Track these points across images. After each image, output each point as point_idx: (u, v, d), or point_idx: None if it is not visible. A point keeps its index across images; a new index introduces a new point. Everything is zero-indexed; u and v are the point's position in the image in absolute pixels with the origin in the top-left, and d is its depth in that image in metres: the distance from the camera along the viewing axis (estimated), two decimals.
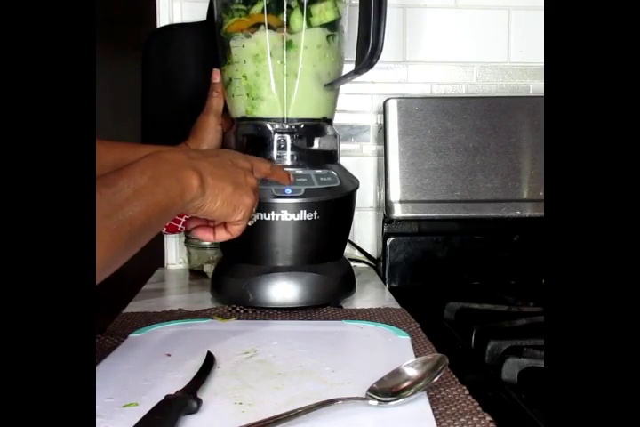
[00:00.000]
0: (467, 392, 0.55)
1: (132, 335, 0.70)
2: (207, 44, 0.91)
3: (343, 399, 0.51)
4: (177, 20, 1.05)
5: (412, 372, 0.55)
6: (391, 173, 0.97)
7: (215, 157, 0.64)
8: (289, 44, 0.80)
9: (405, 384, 0.53)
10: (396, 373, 0.55)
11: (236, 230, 0.67)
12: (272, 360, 0.62)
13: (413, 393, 0.52)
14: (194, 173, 0.59)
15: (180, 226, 0.99)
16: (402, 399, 0.51)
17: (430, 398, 0.53)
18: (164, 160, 0.59)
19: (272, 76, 0.81)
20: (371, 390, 0.52)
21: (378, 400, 0.51)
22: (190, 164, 0.60)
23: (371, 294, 0.93)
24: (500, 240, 0.99)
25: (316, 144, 0.84)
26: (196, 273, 1.03)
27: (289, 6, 0.79)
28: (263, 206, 0.79)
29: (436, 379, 0.54)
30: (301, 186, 0.79)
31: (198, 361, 0.60)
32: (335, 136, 0.86)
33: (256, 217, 0.70)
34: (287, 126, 0.82)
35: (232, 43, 0.81)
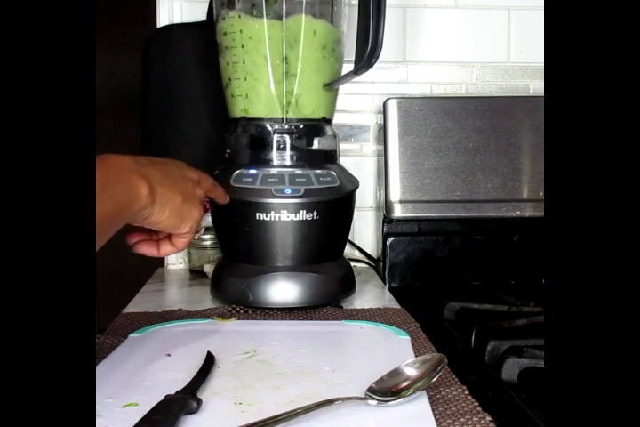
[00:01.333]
0: (467, 392, 0.55)
1: (131, 335, 0.70)
2: (207, 44, 0.91)
3: (342, 399, 0.51)
4: (177, 20, 1.05)
5: (412, 371, 0.55)
6: (391, 173, 0.97)
7: (163, 166, 0.61)
8: (288, 44, 0.80)
9: (405, 384, 0.53)
10: (395, 372, 0.55)
11: (181, 244, 0.65)
12: (272, 360, 0.62)
13: (412, 393, 0.52)
14: (143, 180, 0.56)
15: None
16: (401, 399, 0.51)
17: (430, 398, 0.53)
18: (111, 165, 0.55)
19: (271, 77, 0.81)
20: (370, 389, 0.53)
21: (377, 400, 0.51)
22: (139, 170, 0.57)
23: (371, 294, 0.93)
24: (500, 240, 0.99)
25: (316, 144, 0.84)
26: (196, 273, 1.03)
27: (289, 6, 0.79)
28: (263, 206, 0.79)
29: (434, 379, 0.54)
30: (301, 186, 0.79)
31: (198, 361, 0.60)
32: (335, 136, 0.86)
33: (202, 231, 0.68)
34: (287, 126, 0.82)
35: (231, 43, 0.81)
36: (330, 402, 0.50)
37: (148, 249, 0.66)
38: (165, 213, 0.60)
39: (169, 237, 0.66)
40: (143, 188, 0.56)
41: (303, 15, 0.80)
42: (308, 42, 0.80)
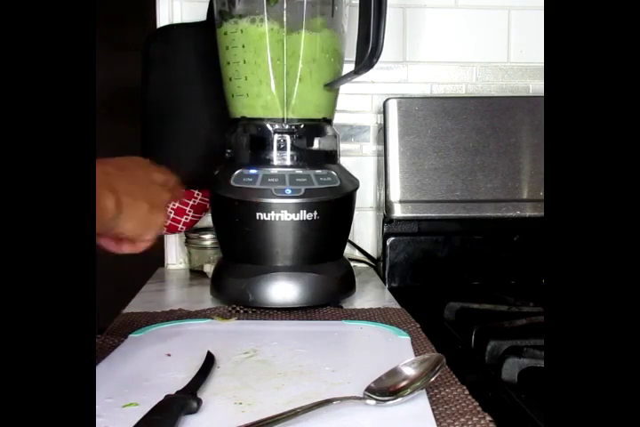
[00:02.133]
0: (467, 392, 0.55)
1: (131, 335, 0.70)
2: (207, 44, 0.91)
3: (340, 399, 0.51)
4: (177, 20, 1.05)
5: (410, 371, 0.55)
6: (391, 173, 0.97)
7: (129, 171, 0.61)
8: (289, 44, 0.80)
9: (403, 384, 0.53)
10: (394, 372, 0.55)
11: (142, 246, 0.64)
12: (272, 360, 0.62)
13: (411, 393, 0.52)
14: (109, 193, 0.56)
15: (180, 226, 0.99)
16: (399, 399, 0.51)
17: (430, 397, 0.53)
18: None
19: (272, 77, 0.81)
20: (368, 389, 0.53)
21: (375, 400, 0.51)
22: (107, 182, 0.56)
23: (371, 294, 0.93)
24: (500, 240, 0.99)
25: (316, 144, 0.84)
26: (196, 273, 1.03)
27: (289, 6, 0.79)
28: (263, 206, 0.79)
29: (432, 379, 0.54)
30: (301, 186, 0.79)
31: (198, 361, 0.60)
32: (335, 136, 0.86)
33: (164, 231, 0.67)
34: (287, 126, 0.82)
35: (231, 43, 0.81)
36: (328, 402, 0.50)
37: (107, 244, 0.64)
38: (131, 222, 0.59)
39: None
40: (109, 200, 0.55)
41: (304, 15, 0.80)
42: (308, 42, 0.80)
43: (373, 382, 0.54)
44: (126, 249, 0.64)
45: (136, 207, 0.59)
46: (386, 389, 0.53)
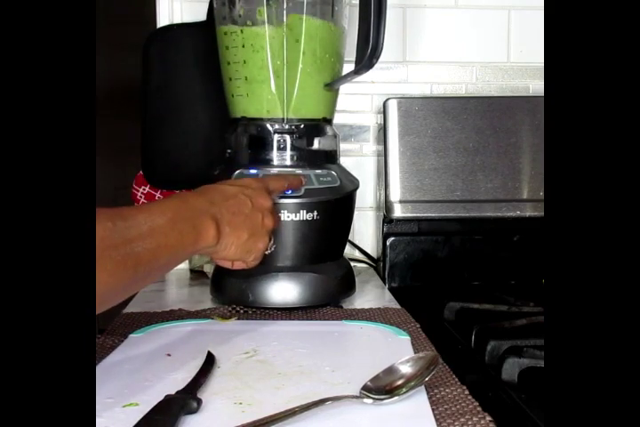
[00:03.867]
0: (467, 392, 0.55)
1: (132, 335, 0.70)
2: (207, 44, 0.91)
3: (336, 398, 0.50)
4: (177, 20, 1.05)
5: (406, 369, 0.55)
6: (391, 173, 0.97)
7: (234, 200, 0.64)
8: (289, 45, 0.80)
9: (399, 382, 0.53)
10: (390, 370, 0.55)
11: (251, 264, 0.69)
12: (272, 360, 0.62)
13: (406, 392, 0.52)
14: (212, 222, 0.60)
15: None
16: (395, 397, 0.52)
17: (430, 398, 0.53)
18: (187, 204, 0.59)
19: (272, 77, 0.81)
20: (365, 388, 0.53)
21: (372, 399, 0.51)
22: (210, 211, 0.60)
23: (371, 294, 0.93)
24: (500, 240, 0.99)
25: (316, 144, 0.84)
26: (196, 273, 1.03)
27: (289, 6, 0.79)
28: None
29: (427, 378, 0.54)
30: (298, 189, 0.79)
31: (198, 361, 0.60)
32: (335, 136, 0.86)
33: (272, 248, 0.72)
34: (287, 126, 0.82)
35: (231, 43, 0.81)
36: (322, 402, 0.49)
37: (222, 262, 0.70)
38: (230, 250, 0.64)
39: None
40: (211, 229, 0.59)
41: (304, 15, 0.80)
42: (308, 42, 0.80)
43: (370, 380, 0.54)
44: (238, 266, 0.70)
45: (235, 236, 0.63)
46: (382, 387, 0.53)
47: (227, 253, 0.64)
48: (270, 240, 0.69)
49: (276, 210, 0.70)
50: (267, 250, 0.69)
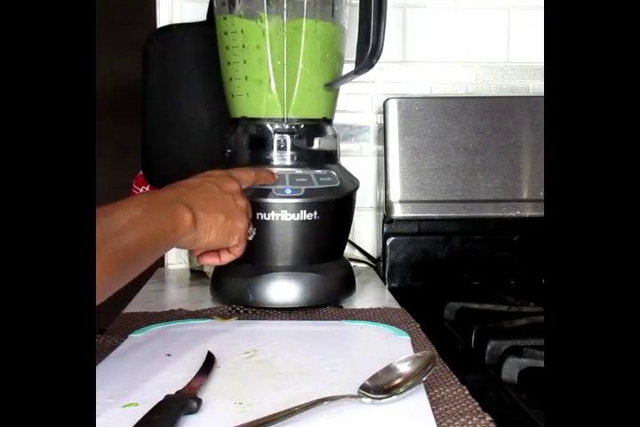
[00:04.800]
0: (467, 392, 0.55)
1: (131, 335, 0.70)
2: (207, 44, 0.91)
3: (334, 398, 0.50)
4: (177, 20, 1.05)
5: (404, 368, 0.55)
6: (391, 173, 0.97)
7: (201, 188, 0.66)
8: (289, 44, 0.80)
9: (397, 381, 0.54)
10: (388, 369, 0.55)
11: (238, 251, 0.70)
12: (272, 360, 0.62)
13: (404, 391, 0.52)
14: (185, 209, 0.61)
15: None
16: (394, 397, 0.52)
17: (430, 397, 0.53)
18: (157, 196, 0.61)
19: (272, 77, 0.81)
20: (363, 387, 0.53)
21: (370, 398, 0.51)
22: (182, 200, 0.61)
23: (371, 294, 0.93)
24: (500, 240, 0.99)
25: (316, 144, 0.84)
26: (196, 273, 1.03)
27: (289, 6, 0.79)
28: (263, 206, 0.79)
29: (425, 377, 0.54)
30: (301, 186, 0.79)
31: (198, 361, 0.60)
32: (335, 136, 0.86)
33: (254, 232, 0.72)
34: (287, 126, 0.82)
35: (232, 43, 0.81)
36: (321, 401, 0.49)
37: (210, 259, 0.71)
38: (211, 234, 0.64)
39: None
40: (186, 215, 0.61)
41: (304, 15, 0.80)
42: (308, 42, 0.80)
43: (368, 379, 0.54)
44: (226, 258, 0.70)
45: (212, 219, 0.64)
46: (380, 387, 0.53)
47: (208, 238, 0.64)
48: (250, 225, 0.70)
49: (245, 195, 0.71)
50: (249, 234, 0.70)
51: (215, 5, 0.85)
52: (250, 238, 0.70)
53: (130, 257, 0.53)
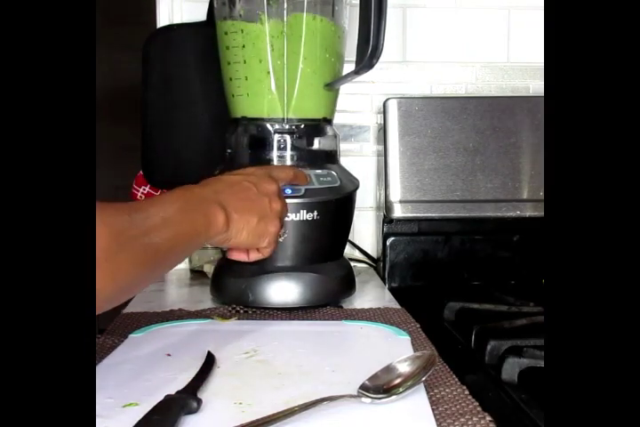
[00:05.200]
0: (467, 392, 0.55)
1: (131, 335, 0.70)
2: (207, 44, 0.91)
3: (333, 398, 0.50)
4: (177, 20, 1.05)
5: (404, 368, 0.55)
6: (391, 173, 0.97)
7: (239, 187, 0.65)
8: (289, 44, 0.80)
9: (397, 381, 0.54)
10: (387, 369, 0.55)
11: (267, 252, 0.70)
12: (272, 360, 0.62)
13: (403, 391, 0.52)
14: (220, 209, 0.61)
15: None
16: (393, 397, 0.52)
17: (430, 397, 0.53)
18: (193, 194, 0.60)
19: (272, 76, 0.81)
20: (362, 387, 0.53)
21: (370, 398, 0.51)
22: (217, 199, 0.61)
23: (371, 294, 0.93)
24: (500, 240, 0.99)
25: (316, 144, 0.84)
26: (196, 273, 1.03)
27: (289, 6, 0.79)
28: None
29: (424, 378, 0.54)
30: (302, 186, 0.80)
31: (198, 361, 0.60)
32: (335, 136, 0.86)
33: (285, 235, 0.72)
34: (287, 126, 0.82)
35: (232, 43, 0.81)
36: (320, 401, 0.50)
37: (238, 255, 0.71)
38: (242, 235, 0.64)
39: None
40: (220, 216, 0.61)
41: (304, 15, 0.80)
42: (309, 42, 0.80)
43: (368, 379, 0.54)
44: (254, 257, 0.70)
45: (245, 221, 0.64)
46: (380, 386, 0.53)
47: (239, 239, 0.64)
48: (282, 227, 0.70)
49: (282, 198, 0.70)
50: (279, 236, 0.69)
51: (215, 5, 0.85)
52: (280, 240, 0.70)
53: (160, 254, 0.53)
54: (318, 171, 0.82)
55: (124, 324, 0.75)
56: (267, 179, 0.69)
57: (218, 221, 0.60)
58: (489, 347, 0.64)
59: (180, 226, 0.56)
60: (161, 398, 0.50)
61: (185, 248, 0.58)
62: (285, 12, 0.79)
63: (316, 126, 0.84)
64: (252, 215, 0.64)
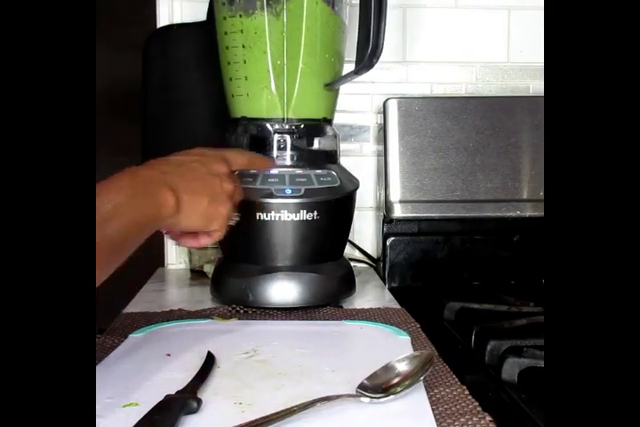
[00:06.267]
0: (467, 392, 0.55)
1: (132, 335, 0.70)
2: (207, 44, 0.91)
3: (332, 398, 0.50)
4: (177, 20, 1.05)
5: (402, 367, 0.55)
6: (391, 173, 0.97)
7: (187, 166, 0.63)
8: (289, 44, 0.80)
9: (395, 381, 0.54)
10: (386, 368, 0.55)
11: (217, 236, 0.67)
12: (272, 360, 0.62)
13: (402, 390, 0.52)
14: (169, 191, 0.58)
15: None
16: (391, 396, 0.52)
17: (430, 397, 0.53)
18: (139, 177, 0.58)
19: (272, 77, 0.81)
20: (361, 386, 0.53)
21: (368, 397, 0.51)
22: (165, 181, 0.59)
23: (371, 294, 0.93)
24: (500, 240, 0.99)
25: (316, 144, 0.84)
26: (196, 273, 1.03)
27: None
28: (263, 206, 0.79)
29: (423, 377, 0.54)
30: (301, 186, 0.79)
31: (198, 361, 0.60)
32: (335, 136, 0.86)
33: (236, 218, 0.69)
34: (287, 126, 0.82)
35: (232, 42, 0.81)
36: (319, 401, 0.50)
37: (187, 241, 0.68)
38: (192, 218, 0.62)
39: None
40: (170, 198, 0.58)
41: (304, 15, 0.79)
42: (308, 42, 0.80)
43: (366, 378, 0.54)
44: (204, 241, 0.67)
45: (195, 203, 0.61)
46: (378, 386, 0.53)
47: (189, 221, 0.62)
48: (234, 209, 0.67)
49: (235, 179, 0.68)
50: (230, 219, 0.67)
51: (215, 5, 0.85)
52: (232, 223, 0.67)
53: (115, 245, 0.52)
54: (318, 171, 0.82)
55: (123, 324, 0.75)
56: (217, 160, 0.67)
57: (168, 204, 0.58)
58: (489, 347, 0.64)
59: (130, 214, 0.54)
60: (161, 398, 0.50)
61: (137, 236, 0.55)
62: (285, 11, 0.79)
63: (316, 126, 0.84)
64: (202, 196, 0.62)
